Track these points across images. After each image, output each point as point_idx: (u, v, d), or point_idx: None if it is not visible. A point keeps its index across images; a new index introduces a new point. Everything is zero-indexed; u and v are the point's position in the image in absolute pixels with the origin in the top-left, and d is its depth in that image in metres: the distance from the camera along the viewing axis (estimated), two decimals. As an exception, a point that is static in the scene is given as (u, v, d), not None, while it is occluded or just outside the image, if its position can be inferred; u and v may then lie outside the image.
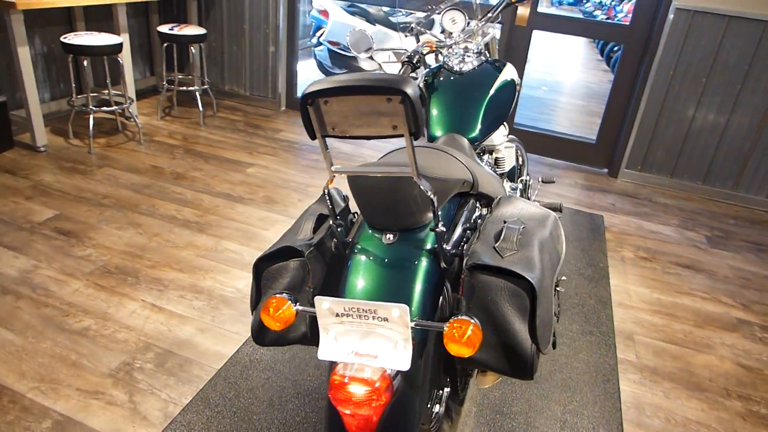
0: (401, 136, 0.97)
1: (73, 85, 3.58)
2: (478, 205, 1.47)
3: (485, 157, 1.97)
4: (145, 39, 4.62)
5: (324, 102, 0.98)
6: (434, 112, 1.86)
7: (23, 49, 3.15)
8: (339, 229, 1.20)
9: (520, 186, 2.42)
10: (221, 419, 1.69)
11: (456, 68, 1.95)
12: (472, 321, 1.00)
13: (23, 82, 3.23)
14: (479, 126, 1.82)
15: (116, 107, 3.68)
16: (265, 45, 4.58)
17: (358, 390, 0.98)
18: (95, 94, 4.01)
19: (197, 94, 4.32)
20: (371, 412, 0.99)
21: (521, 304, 1.04)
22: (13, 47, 3.12)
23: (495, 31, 2.27)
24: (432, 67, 2.06)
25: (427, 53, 2.03)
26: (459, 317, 1.00)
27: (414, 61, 1.91)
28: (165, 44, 4.08)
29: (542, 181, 2.60)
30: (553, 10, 13.22)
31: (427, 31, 2.25)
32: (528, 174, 2.49)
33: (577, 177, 4.03)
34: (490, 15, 2.17)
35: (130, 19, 4.38)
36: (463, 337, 0.97)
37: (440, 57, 2.05)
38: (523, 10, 3.93)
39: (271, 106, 4.81)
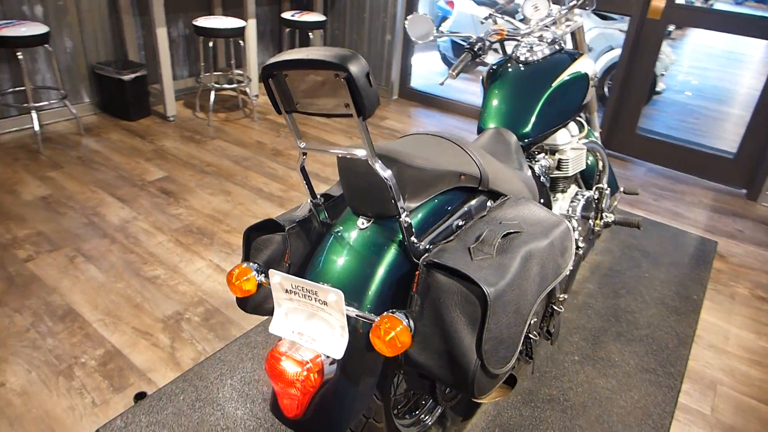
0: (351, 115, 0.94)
1: (202, 63, 3.99)
2: (490, 203, 1.36)
3: (540, 156, 1.81)
4: (276, 25, 4.97)
5: (285, 76, 0.98)
6: (489, 104, 1.75)
7: (161, 30, 3.58)
8: (318, 208, 1.19)
9: (595, 195, 2.18)
10: (230, 377, 1.79)
11: (522, 58, 1.81)
12: (404, 322, 0.93)
13: (160, 59, 3.68)
14: (533, 121, 1.68)
15: (236, 85, 4.02)
16: (383, 34, 4.67)
17: (288, 368, 0.98)
18: (220, 73, 4.42)
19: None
20: (299, 393, 0.98)
21: (473, 313, 0.95)
22: (153, 28, 3.57)
23: (581, 19, 2.06)
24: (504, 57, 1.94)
25: (496, 42, 1.91)
26: (392, 313, 0.95)
27: (475, 49, 1.80)
28: (287, 29, 4.35)
29: (624, 192, 2.31)
30: (729, 8, 11.56)
31: (504, 17, 2.12)
32: (607, 184, 2.23)
33: (705, 195, 3.52)
34: (575, 2, 1.98)
35: (263, 7, 4.74)
36: (386, 335, 0.91)
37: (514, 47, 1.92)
38: (657, 1, 3.51)
39: (383, 94, 4.90)
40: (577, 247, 2.03)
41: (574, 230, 1.91)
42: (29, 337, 1.93)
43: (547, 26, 1.98)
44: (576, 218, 1.89)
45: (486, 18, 2.17)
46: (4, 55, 3.32)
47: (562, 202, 1.93)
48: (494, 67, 1.88)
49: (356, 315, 0.99)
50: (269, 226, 1.21)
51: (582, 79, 1.83)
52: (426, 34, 1.86)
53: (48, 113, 3.64)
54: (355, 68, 0.87)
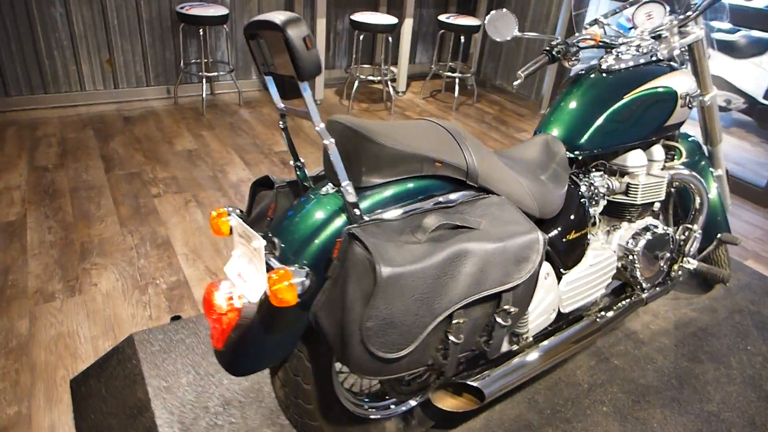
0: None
1: (354, 56, 4.30)
2: None
3: (596, 175, 1.62)
4: (438, 27, 5.10)
5: (261, 38, 1.07)
6: (551, 110, 1.63)
7: (321, 21, 3.95)
8: (300, 170, 1.26)
9: (680, 235, 1.87)
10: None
11: (604, 66, 1.65)
12: (295, 280, 0.96)
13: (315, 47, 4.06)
14: (589, 134, 1.52)
15: (379, 78, 4.25)
16: (541, 44, 4.49)
17: (212, 302, 1.08)
18: (375, 67, 4.69)
19: (457, 81, 4.58)
20: (219, 326, 1.07)
21: (367, 287, 0.94)
22: (314, 18, 3.96)
23: (701, 31, 1.78)
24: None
25: (587, 47, 1.76)
26: (293, 269, 0.98)
27: (554, 53, 1.68)
28: (441, 31, 4.45)
29: (721, 240, 1.92)
30: None
31: (610, 24, 1.94)
32: (702, 226, 1.89)
33: None
34: (697, 10, 1.73)
35: (428, 9, 4.91)
36: (272, 285, 0.95)
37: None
38: None
39: (531, 107, 4.72)
40: (641, 288, 1.77)
41: (631, 267, 1.68)
42: (129, 255, 2.34)
43: (655, 36, 1.77)
44: (637, 254, 1.65)
45: (591, 24, 2.00)
46: (195, 31, 3.98)
47: (623, 232, 1.70)
48: (576, 74, 1.73)
49: (269, 262, 1.04)
50: (267, 182, 1.32)
51: (667, 95, 1.59)
52: (507, 33, 1.79)
53: (219, 84, 4.27)
54: (292, 30, 0.92)
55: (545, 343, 1.52)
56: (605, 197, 1.65)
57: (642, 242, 1.66)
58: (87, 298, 2.08)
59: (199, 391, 1.62)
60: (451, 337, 1.02)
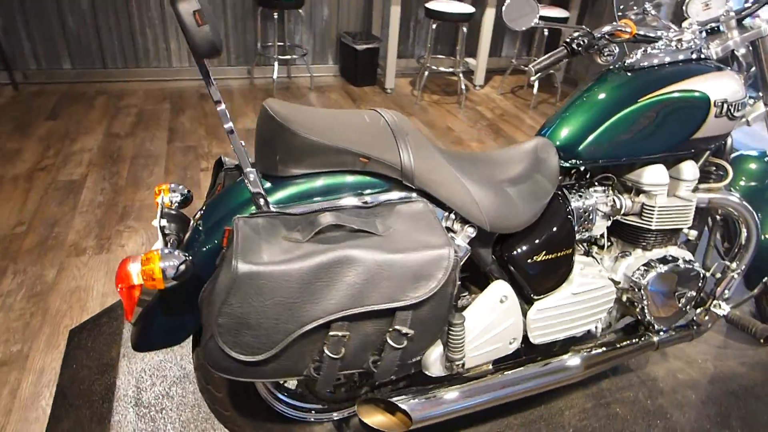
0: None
1: (428, 45, 4.17)
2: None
3: (598, 189, 1.40)
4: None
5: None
6: (563, 111, 1.43)
7: (395, 9, 3.87)
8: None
9: (715, 273, 1.57)
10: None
11: (627, 63, 1.42)
12: (160, 264, 0.92)
13: (388, 35, 4.01)
14: (588, 141, 1.32)
15: (451, 69, 4.09)
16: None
17: (118, 275, 1.07)
18: (443, 57, 4.54)
19: (536, 80, 4.28)
20: (123, 299, 1.08)
21: (228, 284, 0.89)
22: (386, 5, 3.89)
23: (766, 25, 1.47)
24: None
25: (621, 41, 1.52)
26: (164, 252, 0.94)
27: (574, 45, 1.48)
28: (526, 24, 4.18)
29: (753, 335, 1.56)
30: None
31: (656, 13, 1.68)
32: (746, 264, 1.57)
33: None
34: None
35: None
36: (142, 266, 0.93)
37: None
38: None
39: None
40: (652, 329, 1.52)
41: (639, 303, 1.44)
42: (160, 222, 2.48)
43: (711, 31, 1.49)
44: (644, 288, 1.41)
45: (639, 12, 1.74)
46: (271, 14, 4.10)
47: (633, 261, 1.46)
48: (602, 71, 1.51)
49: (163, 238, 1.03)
50: (221, 163, 1.30)
51: (696, 102, 1.32)
52: (526, 22, 1.60)
53: (297, 68, 4.37)
54: (181, 5, 0.88)
55: (507, 374, 1.35)
56: (611, 217, 1.42)
57: (652, 275, 1.41)
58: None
59: (162, 360, 1.66)
60: (327, 351, 0.93)
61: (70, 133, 3.19)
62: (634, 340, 1.53)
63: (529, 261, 1.26)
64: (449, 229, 1.19)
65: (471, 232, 1.18)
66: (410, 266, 0.94)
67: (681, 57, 1.39)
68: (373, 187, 1.11)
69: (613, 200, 1.41)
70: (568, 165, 1.35)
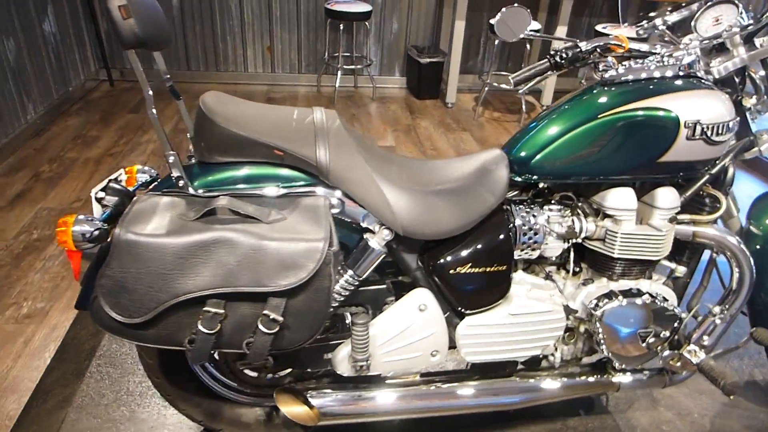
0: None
1: (490, 61, 4.12)
2: (337, 201, 1.17)
3: (554, 209, 1.32)
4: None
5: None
6: (530, 124, 1.39)
7: (459, 23, 3.88)
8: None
9: (695, 316, 1.41)
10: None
11: (607, 75, 1.33)
12: (77, 227, 1.02)
13: (451, 50, 4.01)
14: (540, 157, 1.26)
15: (509, 88, 3.99)
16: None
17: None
18: (504, 74, 4.45)
19: (524, 93, 4.05)
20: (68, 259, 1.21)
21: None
22: (453, 20, 3.90)
23: None
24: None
25: (609, 56, 1.44)
26: (78, 216, 1.05)
27: (557, 58, 1.43)
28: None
29: (752, 337, 1.35)
30: None
31: (660, 27, 1.58)
32: (729, 311, 1.38)
33: None
34: None
35: (587, 18, 4.42)
36: (57, 227, 1.04)
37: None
38: None
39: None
40: (615, 369, 1.40)
41: (596, 337, 1.33)
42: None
43: (717, 48, 1.38)
44: (599, 321, 1.31)
45: (646, 27, 1.63)
46: (338, 26, 4.27)
47: (593, 289, 1.35)
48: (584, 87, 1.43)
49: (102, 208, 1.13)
50: None
51: (664, 121, 1.21)
52: (518, 32, 1.56)
53: (362, 78, 4.51)
54: (110, 0, 0.99)
55: (434, 387, 1.32)
56: (568, 240, 1.33)
57: (609, 308, 1.30)
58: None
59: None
60: (201, 326, 0.98)
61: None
62: (592, 377, 1.41)
63: (452, 272, 1.23)
64: (368, 230, 1.19)
65: (386, 234, 1.18)
66: (282, 254, 0.97)
67: (663, 73, 1.28)
68: (296, 180, 1.16)
69: (572, 221, 1.32)
70: (519, 179, 1.30)
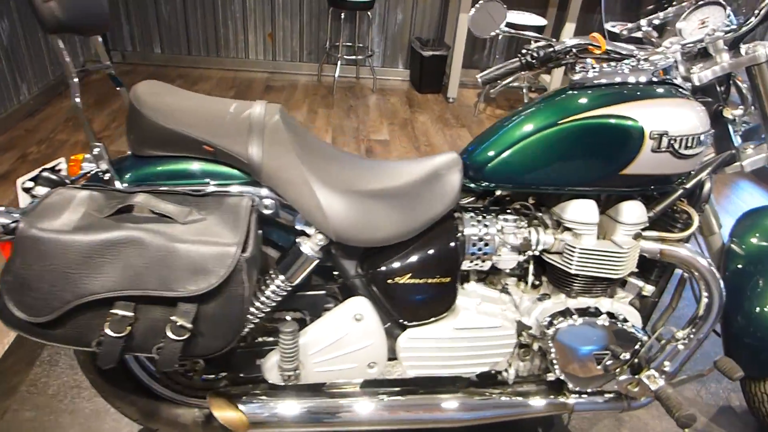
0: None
1: (494, 57, 4.00)
2: (269, 202, 1.12)
3: (508, 219, 1.25)
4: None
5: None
6: (492, 127, 1.31)
7: (463, 16, 3.77)
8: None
9: (658, 340, 1.34)
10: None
11: (576, 77, 1.25)
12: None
13: (454, 44, 3.90)
14: (497, 161, 1.18)
15: (515, 84, 3.88)
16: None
17: None
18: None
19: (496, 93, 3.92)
20: None
21: None
22: (456, 12, 3.79)
23: (762, 50, 1.23)
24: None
25: (589, 57, 1.35)
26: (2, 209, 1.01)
27: (528, 58, 1.34)
28: (608, 41, 3.84)
29: (716, 365, 1.27)
30: None
31: (644, 28, 1.49)
32: (696, 336, 1.30)
33: None
34: (756, 19, 1.21)
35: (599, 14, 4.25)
36: None
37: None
38: None
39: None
40: (569, 390, 1.33)
41: (549, 355, 1.26)
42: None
43: (701, 53, 1.29)
44: (551, 339, 1.23)
45: (633, 29, 1.54)
46: (340, 15, 4.19)
47: (549, 305, 1.27)
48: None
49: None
50: None
51: (627, 130, 1.12)
52: (491, 28, 1.47)
53: (365, 69, 4.42)
54: None
55: (373, 399, 1.26)
56: (523, 252, 1.25)
57: (562, 326, 1.23)
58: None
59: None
60: (108, 329, 0.94)
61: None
62: (545, 397, 1.34)
63: (390, 281, 1.16)
64: (303, 233, 1.13)
65: (320, 239, 1.12)
66: (192, 258, 0.91)
67: (636, 78, 1.19)
68: (230, 178, 1.10)
69: (528, 233, 1.24)
70: (473, 186, 1.22)
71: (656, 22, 1.50)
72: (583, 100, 1.16)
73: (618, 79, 1.20)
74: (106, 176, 1.09)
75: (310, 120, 3.63)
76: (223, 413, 1.23)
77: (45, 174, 1.17)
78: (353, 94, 4.13)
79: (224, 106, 1.12)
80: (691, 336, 1.31)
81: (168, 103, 1.08)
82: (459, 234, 1.20)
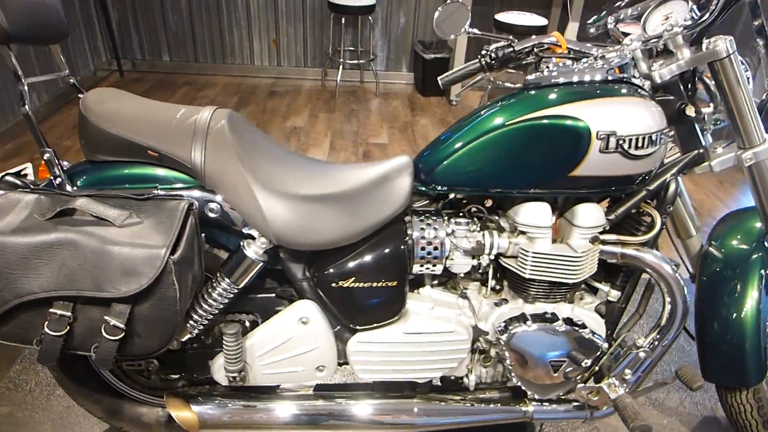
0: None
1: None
2: (216, 206, 1.13)
3: (460, 222, 1.23)
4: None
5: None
6: (447, 130, 1.30)
7: (465, 18, 3.75)
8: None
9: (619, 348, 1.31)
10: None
11: (531, 77, 1.23)
12: None
13: (456, 46, 3.89)
14: (446, 163, 1.18)
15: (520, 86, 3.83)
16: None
17: None
18: (519, 73, 4.27)
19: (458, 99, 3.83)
20: None
21: None
22: (457, 15, 3.78)
23: (722, 44, 1.17)
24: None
25: (549, 57, 1.33)
26: None
27: (488, 60, 1.33)
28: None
29: (677, 375, 1.22)
30: None
31: (611, 27, 1.47)
32: (660, 343, 1.26)
33: None
34: (711, 14, 1.17)
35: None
36: None
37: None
38: None
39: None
40: (528, 398, 1.31)
41: (505, 362, 1.25)
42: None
43: (667, 51, 1.27)
44: (506, 345, 1.22)
45: (595, 22, 1.52)
46: (341, 20, 4.21)
47: (505, 310, 1.26)
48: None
49: None
50: None
51: (574, 130, 1.10)
52: (455, 29, 1.46)
53: (368, 73, 4.44)
54: None
55: (325, 403, 1.26)
56: (476, 256, 1.24)
57: (516, 332, 1.21)
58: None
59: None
60: (47, 328, 0.96)
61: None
62: (504, 405, 1.32)
63: (334, 285, 1.16)
64: (249, 236, 1.15)
65: (263, 242, 1.13)
66: (122, 260, 0.93)
67: (592, 77, 1.17)
68: (177, 182, 1.13)
69: (481, 236, 1.22)
70: (425, 189, 1.22)
71: (622, 18, 1.47)
72: (532, 101, 1.14)
73: (573, 78, 1.17)
74: (57, 181, 1.12)
75: (310, 124, 3.66)
76: (179, 413, 1.25)
77: (7, 178, 1.21)
78: (356, 98, 4.15)
79: (172, 112, 1.14)
80: (655, 343, 1.28)
81: (114, 109, 1.11)
82: (407, 238, 1.19)
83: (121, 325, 0.96)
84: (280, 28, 4.25)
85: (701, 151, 1.29)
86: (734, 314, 1.36)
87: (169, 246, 0.95)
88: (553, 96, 1.13)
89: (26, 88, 1.10)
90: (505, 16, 3.63)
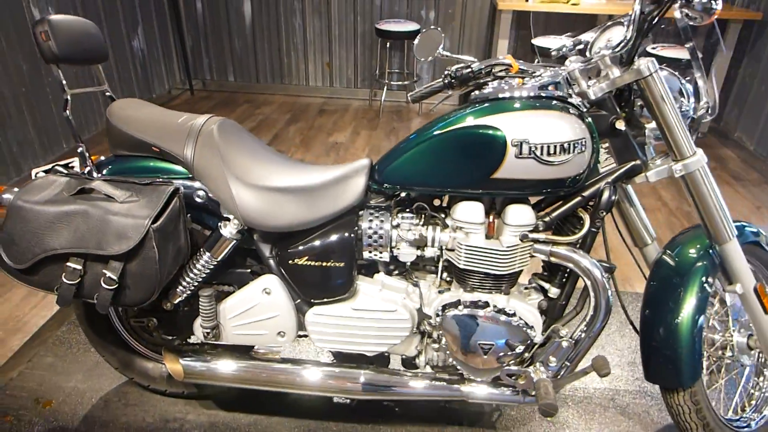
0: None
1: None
2: (199, 192, 1.40)
3: (407, 217, 1.41)
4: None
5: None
6: (404, 139, 1.51)
7: (502, 42, 3.91)
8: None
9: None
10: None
11: (472, 96, 1.42)
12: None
13: (494, 68, 4.04)
14: (393, 165, 1.38)
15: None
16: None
17: None
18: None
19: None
20: None
21: None
22: (495, 38, 3.94)
23: (645, 64, 1.28)
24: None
25: (504, 77, 1.51)
26: (6, 187, 1.38)
27: (450, 79, 1.53)
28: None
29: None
30: None
31: (567, 49, 1.62)
32: (586, 334, 1.35)
33: None
34: (633, 37, 1.29)
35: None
36: None
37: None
38: None
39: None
40: (465, 379, 1.45)
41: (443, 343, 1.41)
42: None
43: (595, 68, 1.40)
44: (440, 327, 1.38)
45: (557, 50, 1.66)
46: (387, 44, 4.49)
47: (447, 297, 1.42)
48: None
49: None
50: None
51: (491, 138, 1.25)
52: (430, 52, 1.67)
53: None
54: (36, 27, 1.31)
55: (287, 366, 1.48)
56: (420, 247, 1.41)
57: (449, 315, 1.37)
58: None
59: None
60: (63, 278, 1.26)
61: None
62: (444, 384, 1.47)
63: (291, 262, 1.38)
64: (226, 218, 1.40)
65: (236, 224, 1.38)
66: (117, 226, 1.21)
67: (520, 93, 1.33)
68: (176, 173, 1.41)
69: (425, 230, 1.40)
70: (375, 187, 1.42)
71: (578, 41, 1.60)
72: (464, 113, 1.32)
73: (506, 94, 1.34)
74: (86, 169, 1.43)
75: (351, 140, 3.94)
76: (170, 364, 1.52)
77: (56, 167, 1.55)
78: (399, 117, 4.40)
79: (175, 118, 1.43)
80: (581, 335, 1.38)
81: (130, 114, 1.41)
82: (356, 227, 1.40)
83: (115, 278, 1.23)
84: (333, 51, 4.61)
85: (638, 162, 1.39)
86: (677, 319, 1.42)
87: (151, 217, 1.22)
88: (482, 109, 1.30)
89: (69, 97, 1.43)
90: (542, 41, 3.75)
